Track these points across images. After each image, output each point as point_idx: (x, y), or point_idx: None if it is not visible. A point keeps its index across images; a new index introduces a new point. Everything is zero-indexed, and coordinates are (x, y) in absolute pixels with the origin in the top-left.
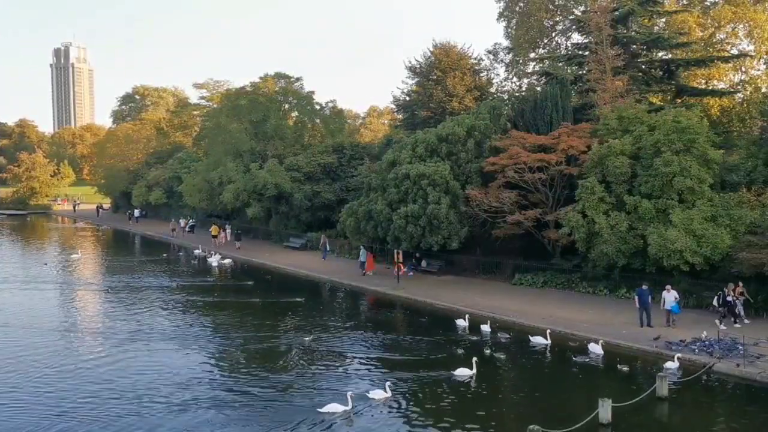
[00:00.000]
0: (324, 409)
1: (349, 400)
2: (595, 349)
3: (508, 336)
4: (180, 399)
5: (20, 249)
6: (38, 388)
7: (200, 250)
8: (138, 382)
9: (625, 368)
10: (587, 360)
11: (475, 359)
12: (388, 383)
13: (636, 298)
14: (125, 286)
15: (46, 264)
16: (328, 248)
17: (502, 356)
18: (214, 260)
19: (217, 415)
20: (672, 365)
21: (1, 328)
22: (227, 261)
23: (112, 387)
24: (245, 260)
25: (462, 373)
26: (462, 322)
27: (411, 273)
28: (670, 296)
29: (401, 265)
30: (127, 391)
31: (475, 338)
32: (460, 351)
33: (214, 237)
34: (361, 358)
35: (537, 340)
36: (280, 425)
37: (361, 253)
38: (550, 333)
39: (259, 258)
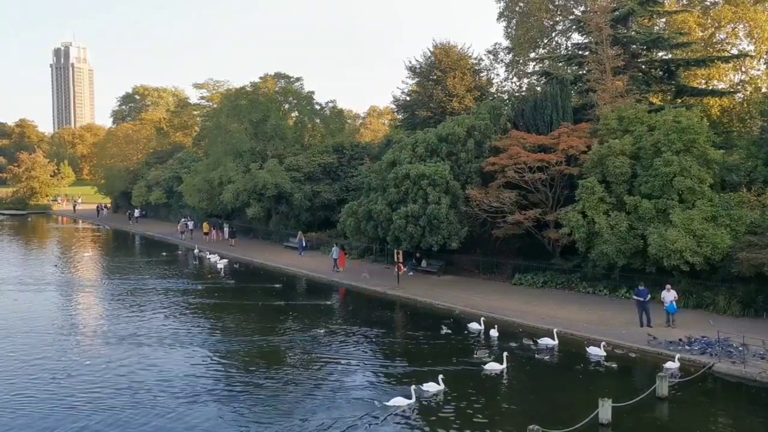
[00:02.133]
0: (390, 402)
1: (413, 393)
2: (596, 351)
3: (531, 342)
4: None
5: (27, 250)
6: (57, 384)
7: (197, 249)
8: (184, 379)
9: (614, 365)
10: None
11: (506, 354)
12: (441, 376)
13: (637, 298)
14: (140, 289)
15: (56, 266)
16: (304, 245)
17: (490, 356)
18: (218, 261)
19: (280, 406)
20: (672, 365)
21: (20, 332)
22: (224, 261)
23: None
24: (248, 261)
25: (492, 367)
26: (476, 326)
27: (411, 273)
28: (669, 296)
29: (401, 264)
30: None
31: (493, 342)
32: (487, 357)
33: (206, 234)
34: (389, 356)
35: (544, 341)
36: (348, 416)
37: (333, 251)
38: (557, 333)
39: (259, 258)
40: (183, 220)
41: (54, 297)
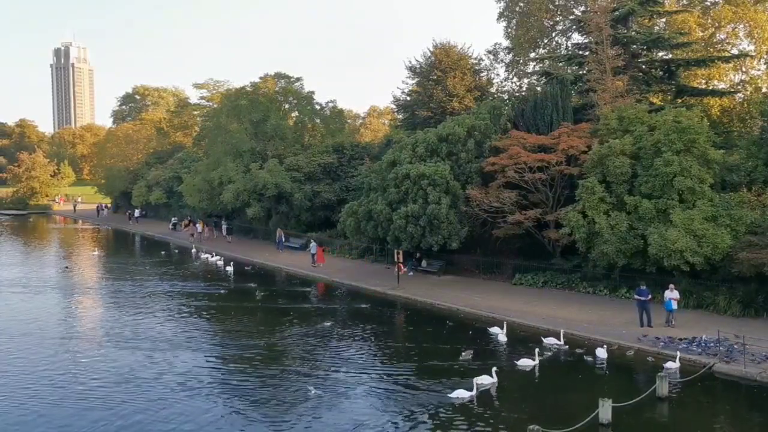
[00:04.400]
0: (453, 395)
1: (475, 386)
2: (600, 353)
3: (559, 344)
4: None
5: (30, 251)
6: (74, 382)
7: (194, 249)
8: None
9: (590, 358)
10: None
11: (537, 350)
12: (494, 369)
13: (638, 297)
14: (151, 293)
15: (66, 267)
16: (284, 240)
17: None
18: (218, 261)
19: (348, 400)
20: (672, 365)
21: (29, 333)
22: (219, 259)
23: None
24: (248, 261)
25: (525, 363)
26: (497, 330)
27: (411, 273)
28: (671, 295)
29: (401, 264)
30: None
31: (501, 345)
32: (473, 357)
33: (201, 231)
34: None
35: (550, 341)
36: (412, 407)
37: (311, 246)
38: (564, 334)
39: (259, 258)
40: (173, 219)
41: (64, 299)
